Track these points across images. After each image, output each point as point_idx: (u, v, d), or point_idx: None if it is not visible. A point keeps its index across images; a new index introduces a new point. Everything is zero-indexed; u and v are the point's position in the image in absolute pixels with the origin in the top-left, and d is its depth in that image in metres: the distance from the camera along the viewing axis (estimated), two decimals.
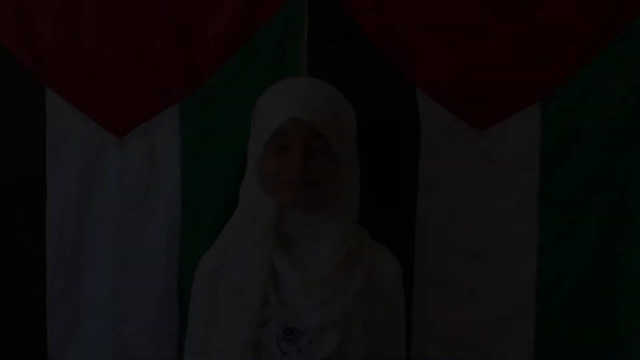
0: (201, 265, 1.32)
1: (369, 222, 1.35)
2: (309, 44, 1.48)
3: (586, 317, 1.52)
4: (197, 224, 1.49)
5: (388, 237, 1.36)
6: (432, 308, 1.52)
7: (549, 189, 1.49)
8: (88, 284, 1.53)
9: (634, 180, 1.48)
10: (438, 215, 1.51)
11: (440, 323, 1.52)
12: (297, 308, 1.22)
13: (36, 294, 1.52)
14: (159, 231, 1.49)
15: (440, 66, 1.47)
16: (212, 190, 1.49)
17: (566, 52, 1.46)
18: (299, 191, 1.20)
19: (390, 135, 1.49)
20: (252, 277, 1.23)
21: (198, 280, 1.31)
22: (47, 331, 1.53)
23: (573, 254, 1.50)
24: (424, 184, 1.50)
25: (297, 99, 1.21)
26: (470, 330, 1.52)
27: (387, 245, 1.34)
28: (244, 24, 1.46)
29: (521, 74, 1.47)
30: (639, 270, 1.49)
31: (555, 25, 1.46)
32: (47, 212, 1.50)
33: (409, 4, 1.47)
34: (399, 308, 1.34)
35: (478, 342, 1.53)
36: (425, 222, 1.51)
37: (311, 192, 1.21)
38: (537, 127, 1.48)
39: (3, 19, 1.47)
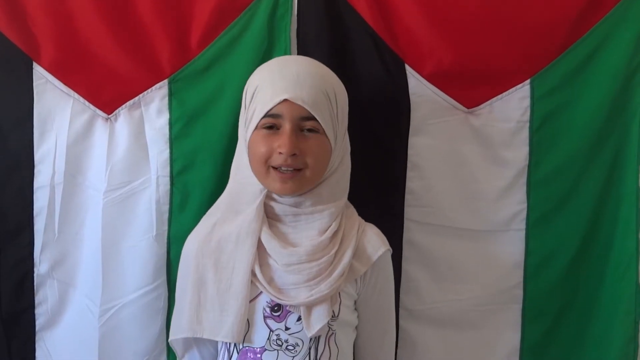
0: (188, 241, 1.32)
1: (358, 200, 1.35)
2: (298, 19, 1.47)
3: (573, 299, 1.53)
4: (185, 201, 1.49)
5: (377, 215, 1.37)
6: (421, 287, 1.52)
7: (538, 168, 1.50)
8: (76, 260, 1.52)
9: (621, 159, 1.49)
10: (427, 193, 1.50)
11: (428, 302, 1.53)
12: (285, 285, 1.22)
13: (24, 270, 1.51)
14: (148, 208, 1.48)
15: (430, 44, 1.47)
16: (200, 167, 1.48)
17: (555, 32, 1.46)
18: (287, 180, 1.20)
19: (380, 112, 1.49)
20: (239, 255, 1.23)
21: (185, 256, 1.32)
22: (34, 307, 1.53)
23: (561, 235, 1.51)
24: (413, 162, 1.50)
25: (289, 81, 1.20)
26: (458, 310, 1.53)
27: (376, 223, 1.34)
28: (234, 0, 1.45)
29: (510, 53, 1.47)
30: (628, 251, 1.50)
31: (544, 4, 1.45)
32: (35, 188, 1.49)
33: None
34: (388, 286, 1.35)
35: (466, 322, 1.53)
36: (415, 200, 1.51)
37: (299, 180, 1.21)
38: (526, 106, 1.48)
39: None
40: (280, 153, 1.19)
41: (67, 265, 1.52)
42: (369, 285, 1.30)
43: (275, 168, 1.21)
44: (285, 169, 1.20)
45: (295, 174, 1.21)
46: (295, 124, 1.20)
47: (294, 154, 1.19)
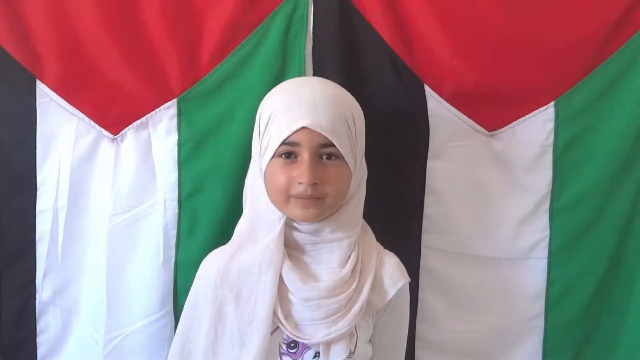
0: (206, 269, 1.27)
1: (374, 226, 1.31)
2: (313, 37, 1.42)
3: (596, 330, 1.50)
4: (194, 226, 1.44)
5: (393, 241, 1.32)
6: (437, 317, 1.49)
7: (561, 193, 1.45)
8: (80, 287, 1.48)
9: None
10: (446, 219, 1.46)
11: (445, 332, 1.49)
12: (302, 321, 1.19)
13: (25, 297, 1.48)
14: (155, 233, 1.44)
15: (451, 64, 1.42)
16: (210, 191, 1.43)
17: (580, 54, 1.42)
18: (309, 206, 1.16)
19: (398, 134, 1.44)
20: (262, 288, 1.19)
21: (202, 285, 1.26)
22: (36, 335, 1.50)
23: (585, 263, 1.46)
24: (431, 187, 1.46)
25: (305, 106, 1.16)
26: (476, 341, 1.49)
27: (392, 250, 1.30)
28: (246, 16, 1.40)
29: (534, 74, 1.42)
30: None
31: (569, 26, 1.41)
32: (37, 211, 1.46)
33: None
34: (404, 318, 1.31)
35: (484, 354, 1.50)
36: (432, 226, 1.46)
37: (320, 206, 1.17)
38: (550, 129, 1.44)
39: None
40: (300, 183, 1.15)
41: (71, 292, 1.48)
42: (384, 315, 1.26)
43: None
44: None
45: (317, 201, 1.17)
46: (314, 152, 1.16)
47: (315, 183, 1.15)
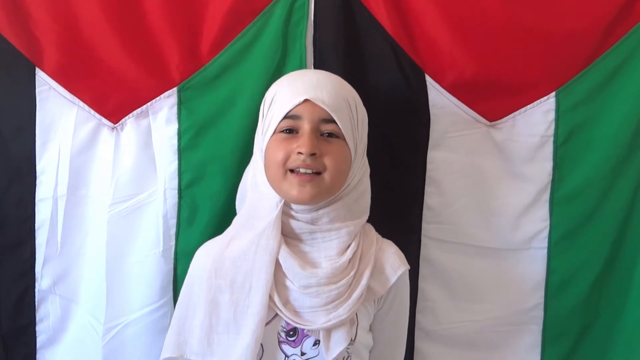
0: (200, 258, 1.26)
1: (374, 216, 1.30)
2: (315, 26, 1.42)
3: (595, 320, 1.49)
4: (194, 215, 1.43)
5: (394, 231, 1.32)
6: (437, 307, 1.48)
7: (562, 184, 1.45)
8: (79, 276, 1.47)
9: None
10: (446, 209, 1.46)
11: (445, 322, 1.49)
12: (301, 308, 1.18)
13: (25, 285, 1.46)
14: (155, 222, 1.43)
15: (452, 54, 1.41)
16: (210, 180, 1.42)
17: (582, 44, 1.42)
18: (305, 184, 1.15)
19: (399, 124, 1.43)
20: (256, 274, 1.18)
21: (196, 275, 1.25)
22: (35, 324, 1.48)
23: (584, 253, 1.46)
24: (432, 177, 1.45)
25: (308, 84, 1.17)
26: (476, 331, 1.49)
27: (392, 240, 1.30)
28: (247, 4, 1.40)
29: (535, 64, 1.42)
30: None
31: (570, 17, 1.40)
32: (37, 200, 1.44)
33: None
34: (404, 306, 1.31)
35: (483, 344, 1.49)
36: (433, 217, 1.46)
37: (318, 185, 1.16)
38: (551, 119, 1.43)
39: None
40: (299, 153, 1.15)
41: (70, 280, 1.47)
42: (385, 303, 1.26)
43: (293, 171, 1.16)
44: (304, 170, 1.15)
45: (314, 178, 1.16)
46: (315, 126, 1.16)
47: (314, 154, 1.15)
